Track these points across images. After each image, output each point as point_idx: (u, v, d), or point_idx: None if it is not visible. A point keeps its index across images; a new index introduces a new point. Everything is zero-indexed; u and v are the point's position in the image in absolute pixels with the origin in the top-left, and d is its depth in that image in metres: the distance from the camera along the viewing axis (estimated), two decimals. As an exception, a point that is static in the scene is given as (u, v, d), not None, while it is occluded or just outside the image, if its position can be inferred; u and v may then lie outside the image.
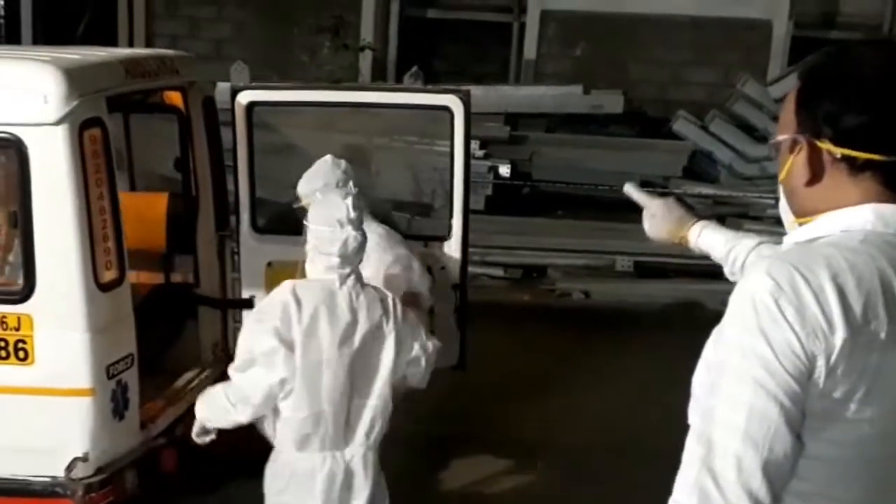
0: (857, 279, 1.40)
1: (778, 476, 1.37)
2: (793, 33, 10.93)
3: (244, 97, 4.27)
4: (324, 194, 3.42)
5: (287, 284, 3.14)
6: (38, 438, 3.45)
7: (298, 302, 3.06)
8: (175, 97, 4.46)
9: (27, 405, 3.43)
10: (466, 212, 4.26)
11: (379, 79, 11.02)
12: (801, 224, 1.57)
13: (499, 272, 8.08)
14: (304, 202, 3.84)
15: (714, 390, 1.41)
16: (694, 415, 1.52)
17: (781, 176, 1.58)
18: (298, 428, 3.10)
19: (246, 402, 3.09)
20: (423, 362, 3.30)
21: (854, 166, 1.48)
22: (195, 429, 3.29)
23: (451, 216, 4.26)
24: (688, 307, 7.51)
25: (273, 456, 3.22)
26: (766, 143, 9.30)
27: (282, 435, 3.14)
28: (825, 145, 1.49)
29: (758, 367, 1.37)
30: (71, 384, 3.41)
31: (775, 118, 9.88)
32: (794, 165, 1.53)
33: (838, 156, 1.48)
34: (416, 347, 3.26)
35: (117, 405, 3.53)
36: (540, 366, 6.05)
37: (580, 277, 8.04)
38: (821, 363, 1.37)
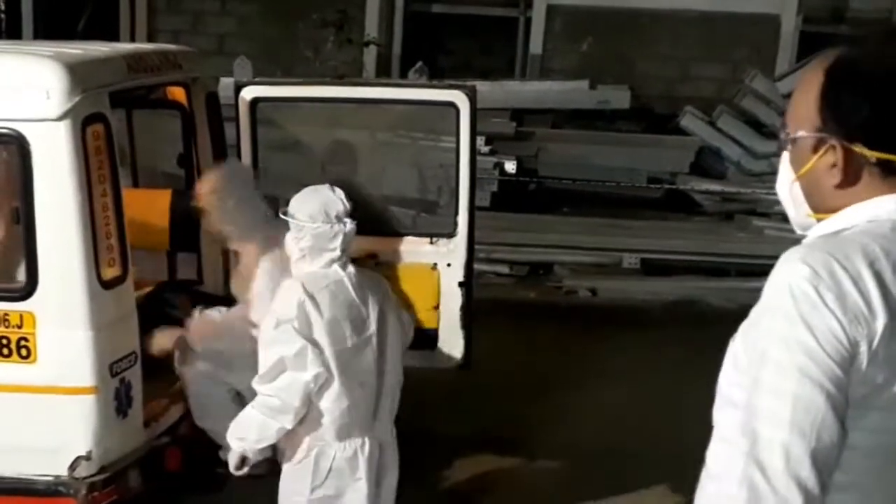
0: (893, 265, 1.40)
1: (826, 464, 1.36)
2: (801, 28, 10.89)
3: (248, 93, 4.26)
4: (312, 190, 3.34)
5: (294, 284, 3.17)
6: (41, 437, 3.45)
7: (312, 298, 3.10)
8: (178, 93, 4.46)
9: (30, 404, 3.43)
10: (472, 209, 4.25)
11: (383, 74, 11.01)
12: (819, 219, 1.55)
13: (504, 269, 8.07)
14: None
15: (756, 383, 1.40)
16: (719, 413, 1.50)
17: (800, 173, 1.55)
18: (340, 417, 3.15)
19: (285, 410, 3.07)
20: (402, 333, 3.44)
21: (888, 169, 1.47)
22: (232, 462, 3.22)
23: (456, 213, 4.24)
24: (694, 304, 7.49)
25: (301, 454, 3.21)
26: (774, 140, 9.27)
27: (319, 429, 3.16)
28: (859, 149, 1.47)
29: (801, 355, 1.35)
30: (74, 382, 3.40)
31: (784, 113, 9.83)
32: (819, 166, 1.51)
33: (873, 160, 1.47)
34: (394, 319, 3.41)
35: (120, 403, 3.52)
36: (546, 364, 6.03)
37: (587, 275, 8.03)
38: (863, 349, 1.36)
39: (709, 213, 9.39)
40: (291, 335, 3.04)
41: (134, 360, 3.58)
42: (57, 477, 3.44)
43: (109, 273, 3.44)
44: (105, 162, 3.41)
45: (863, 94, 1.45)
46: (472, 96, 4.11)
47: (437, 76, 9.63)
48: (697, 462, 1.65)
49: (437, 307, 4.24)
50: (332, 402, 3.12)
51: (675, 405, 5.03)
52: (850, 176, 1.48)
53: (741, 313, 1.54)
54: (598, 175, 9.28)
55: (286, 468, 3.28)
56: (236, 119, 4.27)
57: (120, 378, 3.50)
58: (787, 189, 1.61)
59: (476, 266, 4.85)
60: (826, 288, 1.36)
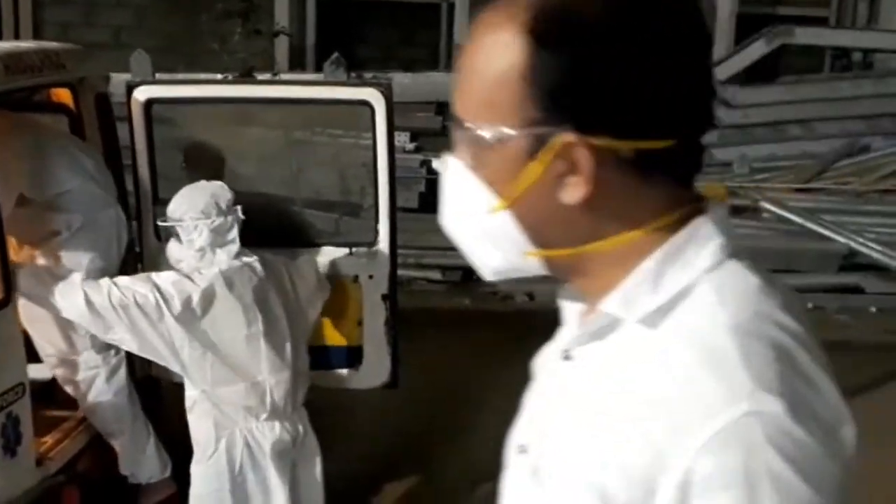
0: (813, 341, 1.06)
1: None
2: (738, 11, 11.14)
3: (141, 93, 4.18)
4: (191, 188, 3.63)
5: (214, 273, 3.44)
6: (-83, 484, 3.34)
7: (228, 279, 3.45)
8: (64, 94, 4.36)
9: None
10: (393, 215, 4.21)
11: (297, 66, 10.90)
12: (551, 259, 1.12)
13: (437, 275, 8.07)
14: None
15: None
16: None
17: (516, 194, 1.07)
18: (244, 401, 3.49)
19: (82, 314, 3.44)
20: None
21: (646, 162, 1.04)
22: None
23: (377, 220, 4.20)
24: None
25: (210, 449, 3.46)
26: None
27: (225, 416, 3.48)
28: (606, 142, 1.02)
29: None
30: (-47, 420, 3.30)
31: (725, 102, 10.01)
32: (544, 178, 1.05)
33: (630, 154, 1.03)
34: (300, 303, 3.85)
35: (8, 441, 3.44)
36: (481, 379, 6.03)
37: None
38: (847, 484, 1.01)
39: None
40: (169, 288, 3.37)
41: (21, 392, 3.49)
42: (-64, 527, 3.34)
43: (-10, 297, 3.35)
44: (-19, 174, 3.30)
45: (601, 56, 1.00)
46: (388, 94, 4.06)
47: (355, 67, 9.53)
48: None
49: (360, 323, 4.20)
50: (232, 387, 3.42)
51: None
52: (601, 182, 1.03)
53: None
54: (531, 170, 9.34)
55: (197, 469, 3.47)
56: (129, 122, 4.18)
57: (6, 413, 3.41)
58: (476, 221, 1.11)
59: (406, 272, 4.84)
60: (809, 419, 0.98)
